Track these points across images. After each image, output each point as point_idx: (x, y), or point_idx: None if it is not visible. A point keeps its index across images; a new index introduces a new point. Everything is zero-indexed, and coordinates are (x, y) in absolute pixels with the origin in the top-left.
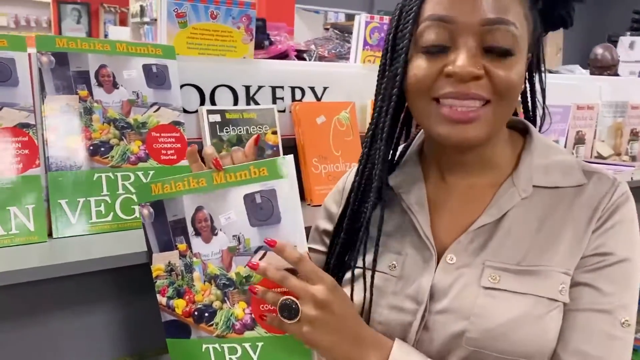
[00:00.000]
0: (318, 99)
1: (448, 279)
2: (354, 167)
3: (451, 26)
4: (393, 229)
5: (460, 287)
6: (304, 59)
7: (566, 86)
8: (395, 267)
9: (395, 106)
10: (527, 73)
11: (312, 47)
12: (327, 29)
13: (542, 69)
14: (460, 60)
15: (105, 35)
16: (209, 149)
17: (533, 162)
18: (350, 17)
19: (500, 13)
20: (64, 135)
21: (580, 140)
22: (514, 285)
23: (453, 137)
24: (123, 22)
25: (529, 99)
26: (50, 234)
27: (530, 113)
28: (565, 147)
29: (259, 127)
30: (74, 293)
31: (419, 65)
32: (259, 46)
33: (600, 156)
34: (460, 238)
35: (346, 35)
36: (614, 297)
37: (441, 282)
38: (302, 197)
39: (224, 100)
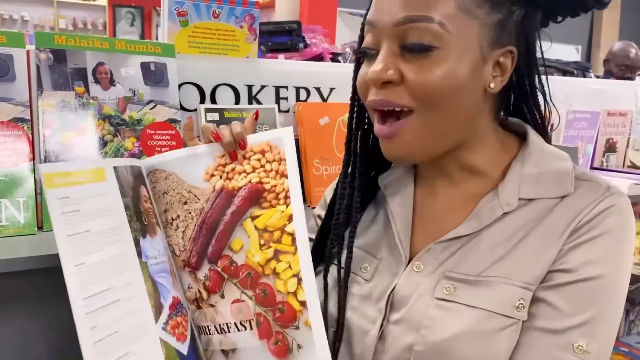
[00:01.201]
0: (324, 100)
1: (409, 288)
2: None
3: (375, 30)
4: (375, 230)
5: (416, 297)
6: (339, 62)
7: (596, 91)
8: (367, 269)
9: (351, 112)
10: (515, 71)
11: (348, 50)
12: None
13: (537, 64)
14: (374, 65)
15: (156, 38)
16: (207, 124)
17: (524, 172)
18: None
19: (417, 10)
20: (59, 130)
21: (611, 148)
22: (468, 298)
23: (386, 154)
24: None
25: (517, 99)
26: (40, 227)
27: (530, 115)
28: (594, 155)
29: (259, 127)
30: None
31: (360, 71)
32: (293, 48)
33: (634, 165)
34: (431, 246)
35: None
36: (571, 318)
37: (402, 291)
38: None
39: (225, 99)
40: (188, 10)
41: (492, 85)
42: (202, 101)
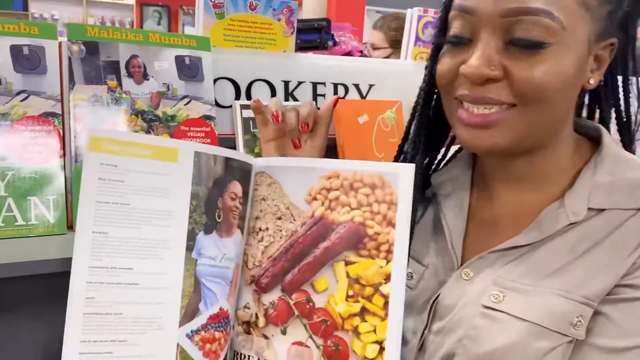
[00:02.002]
0: (363, 97)
1: (455, 296)
2: None
3: (473, 18)
4: (423, 233)
5: (461, 305)
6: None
7: None
8: (412, 276)
9: (424, 102)
10: (610, 66)
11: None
12: None
13: (635, 58)
14: (474, 59)
15: None
16: (276, 99)
17: (595, 179)
18: None
19: (530, 1)
20: (91, 126)
21: None
22: (518, 308)
23: (470, 143)
24: None
25: (608, 99)
26: (70, 226)
27: (613, 118)
28: None
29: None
30: None
31: (444, 59)
32: (322, 46)
33: None
34: (484, 254)
35: None
36: (634, 338)
37: (447, 299)
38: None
39: (260, 95)
40: (224, 1)
41: (591, 81)
42: (237, 97)
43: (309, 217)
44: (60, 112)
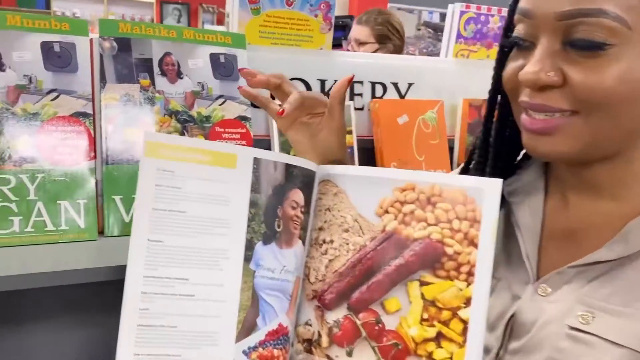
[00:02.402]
0: (401, 97)
1: (533, 313)
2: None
3: (532, 21)
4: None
5: (542, 324)
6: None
7: None
8: None
9: (491, 107)
10: None
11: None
12: (420, 29)
13: None
14: (530, 65)
15: None
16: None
17: None
18: (445, 17)
19: (588, 2)
20: (123, 126)
21: None
22: (611, 331)
23: (532, 149)
24: (220, 22)
25: None
26: (101, 232)
27: None
28: None
29: None
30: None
31: (509, 64)
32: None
33: None
34: (563, 269)
35: (439, 33)
36: None
37: (524, 316)
38: None
39: None
40: None
41: None
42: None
43: (379, 231)
44: (91, 112)
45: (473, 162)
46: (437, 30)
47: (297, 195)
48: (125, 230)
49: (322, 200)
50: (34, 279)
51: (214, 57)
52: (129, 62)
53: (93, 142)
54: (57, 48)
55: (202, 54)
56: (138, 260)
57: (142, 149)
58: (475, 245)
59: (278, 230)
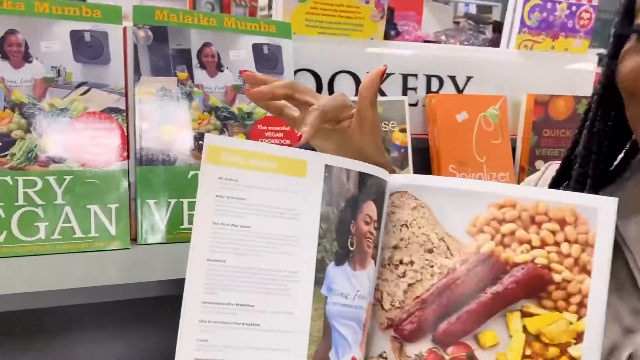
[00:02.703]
0: (459, 91)
1: None
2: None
3: None
4: None
5: None
6: None
7: None
8: None
9: (599, 106)
10: None
11: (443, 37)
12: (458, 22)
13: None
14: None
15: None
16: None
17: None
18: (482, 9)
19: None
20: (158, 124)
21: None
22: None
23: None
24: (252, 15)
25: None
26: (133, 239)
27: None
28: None
29: (384, 124)
30: (155, 309)
31: (629, 57)
32: (385, 37)
33: None
34: None
35: (481, 26)
36: None
37: None
38: None
39: (344, 89)
40: None
41: None
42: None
43: (472, 253)
44: (124, 108)
45: (574, 173)
46: (478, 22)
47: (371, 209)
48: (160, 237)
49: (396, 214)
50: (63, 296)
51: (257, 48)
52: (165, 53)
53: (126, 140)
54: (87, 37)
55: (244, 44)
56: (196, 283)
57: (203, 155)
58: (588, 273)
59: (351, 249)
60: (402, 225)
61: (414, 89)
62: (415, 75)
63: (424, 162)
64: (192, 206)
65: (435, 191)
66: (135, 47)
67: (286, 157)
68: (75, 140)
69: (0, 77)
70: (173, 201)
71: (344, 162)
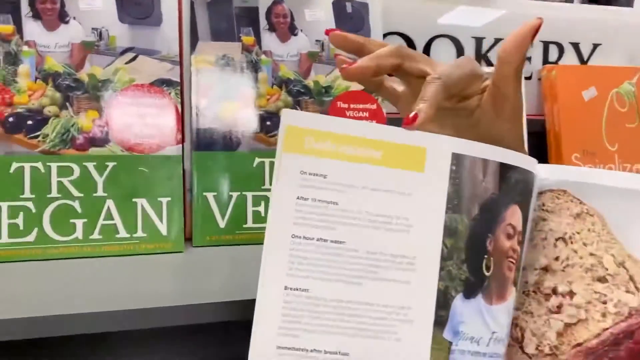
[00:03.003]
0: (583, 62)
1: None
2: None
3: None
4: None
5: None
6: None
7: None
8: None
9: None
10: None
11: None
12: None
13: None
14: None
15: None
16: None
17: None
18: None
19: None
20: (219, 99)
21: None
22: None
23: None
24: None
25: None
26: (188, 238)
27: None
28: None
29: None
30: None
31: None
32: None
33: None
34: None
35: None
36: None
37: None
38: None
39: (443, 56)
40: None
41: None
42: None
43: None
44: (178, 80)
45: None
46: None
47: (516, 216)
48: (220, 239)
49: (549, 222)
50: (102, 321)
51: (338, 7)
52: (228, 12)
53: (180, 119)
54: None
55: (322, 2)
56: (269, 320)
57: (280, 138)
58: None
59: (487, 274)
60: (557, 239)
61: (527, 58)
62: None
63: (540, 150)
64: (257, 201)
65: (613, 193)
66: (192, 5)
67: (397, 142)
68: (120, 118)
69: (32, 40)
70: (235, 194)
71: (481, 148)
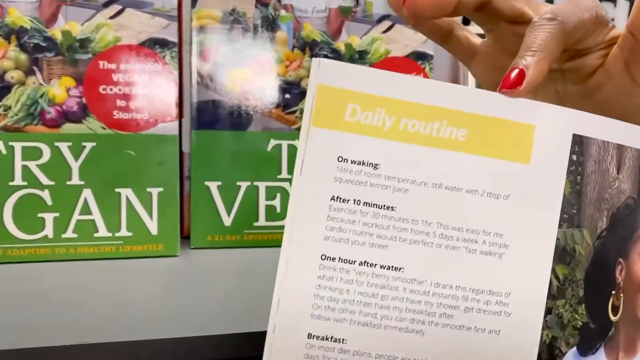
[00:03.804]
0: None
1: None
2: None
3: None
4: None
5: None
6: None
7: None
8: None
9: None
10: None
11: None
12: None
13: None
14: None
15: None
16: None
17: None
18: None
19: None
20: (225, 66)
21: None
22: None
23: None
24: None
25: None
26: (186, 236)
27: None
28: None
29: None
30: None
31: None
32: None
33: None
34: None
35: None
36: None
37: None
38: None
39: None
40: None
41: None
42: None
43: None
44: (175, 40)
45: None
46: None
47: None
48: (224, 240)
49: None
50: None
51: None
52: None
53: (177, 90)
54: None
55: None
56: None
57: (308, 108)
58: None
59: (614, 319)
60: None
61: None
62: None
63: None
64: (271, 193)
65: None
66: None
67: (491, 116)
68: (101, 88)
69: None
70: (244, 185)
71: (621, 130)
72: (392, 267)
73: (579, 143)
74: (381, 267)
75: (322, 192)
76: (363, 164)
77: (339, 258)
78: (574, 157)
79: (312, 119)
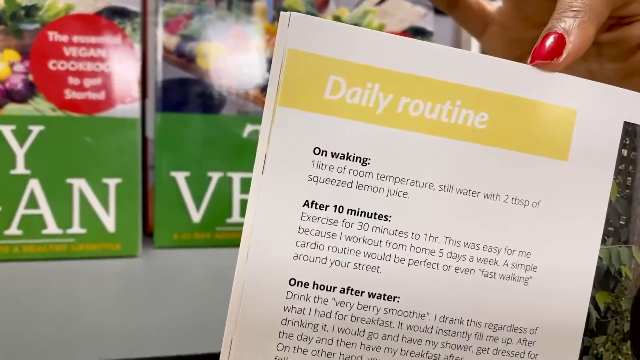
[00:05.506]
0: None
1: None
2: None
3: None
4: None
5: None
6: None
7: None
8: None
9: None
10: None
11: None
12: None
13: None
14: None
15: None
16: None
17: None
18: None
19: None
20: (195, 40)
21: None
22: None
23: None
24: None
25: None
26: (149, 234)
27: None
28: None
29: None
30: None
31: None
32: None
33: None
34: None
35: None
36: None
37: None
38: None
39: None
40: None
41: None
42: None
43: None
44: (137, 9)
45: None
46: None
47: None
48: (193, 239)
49: None
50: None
51: None
52: None
53: (140, 67)
54: None
55: None
56: None
57: (273, 82)
58: None
59: None
60: None
61: None
62: None
63: None
64: (247, 185)
65: None
66: None
67: (517, 95)
68: (51, 64)
69: None
70: (216, 175)
71: None
72: (385, 295)
73: (632, 134)
74: (370, 295)
75: (291, 195)
76: (348, 158)
77: (314, 284)
78: (625, 153)
79: (280, 96)
